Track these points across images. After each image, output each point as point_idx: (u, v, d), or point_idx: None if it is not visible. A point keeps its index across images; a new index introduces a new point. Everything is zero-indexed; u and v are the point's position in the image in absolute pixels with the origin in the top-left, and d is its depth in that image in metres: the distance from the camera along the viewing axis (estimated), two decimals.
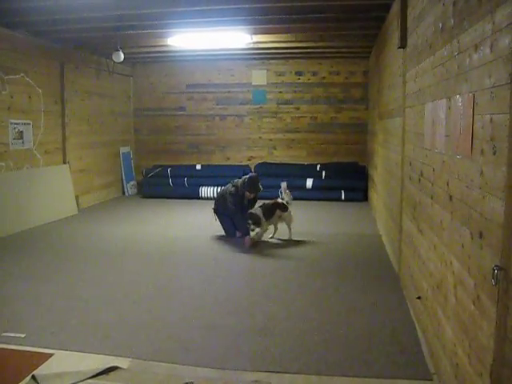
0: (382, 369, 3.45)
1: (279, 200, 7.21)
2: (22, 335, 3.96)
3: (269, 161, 11.80)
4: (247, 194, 7.13)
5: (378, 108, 8.40)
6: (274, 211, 7.04)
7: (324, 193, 10.75)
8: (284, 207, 7.11)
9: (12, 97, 7.89)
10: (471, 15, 2.60)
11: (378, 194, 8.21)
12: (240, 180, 7.25)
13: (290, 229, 7.19)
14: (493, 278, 2.11)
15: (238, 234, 7.11)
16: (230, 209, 7.04)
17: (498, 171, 2.16)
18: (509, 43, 2.04)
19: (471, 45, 2.59)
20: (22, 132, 8.12)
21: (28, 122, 8.30)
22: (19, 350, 3.73)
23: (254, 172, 10.48)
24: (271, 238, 7.15)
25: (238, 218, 6.96)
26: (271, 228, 7.22)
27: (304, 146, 11.86)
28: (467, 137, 2.61)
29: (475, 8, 2.54)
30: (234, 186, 7.17)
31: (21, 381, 3.26)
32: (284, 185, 7.34)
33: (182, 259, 6.29)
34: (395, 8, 5.76)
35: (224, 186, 7.75)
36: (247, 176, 7.30)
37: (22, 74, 8.13)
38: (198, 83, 12.09)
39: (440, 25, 3.39)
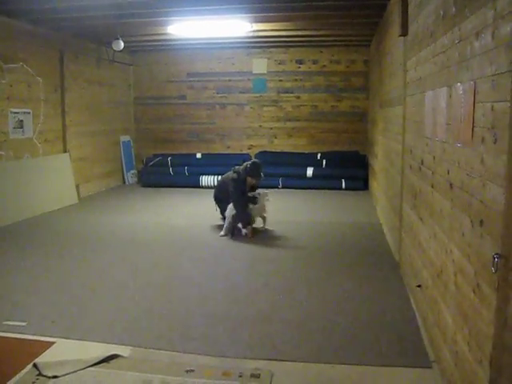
0: (381, 357, 3.47)
1: (250, 194, 7.05)
2: (24, 324, 3.98)
3: (269, 149, 11.79)
4: (249, 179, 7.02)
5: (379, 96, 8.37)
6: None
7: (324, 181, 10.74)
8: (254, 200, 6.96)
9: (11, 86, 7.86)
10: (473, 2, 2.58)
11: (379, 182, 8.21)
12: (241, 166, 7.16)
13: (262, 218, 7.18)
14: (493, 266, 2.11)
15: (239, 224, 7.04)
16: (232, 195, 6.97)
17: (498, 159, 2.15)
18: (510, 31, 2.03)
19: (472, 32, 2.57)
20: (21, 121, 8.11)
21: (28, 110, 8.28)
22: (21, 339, 3.75)
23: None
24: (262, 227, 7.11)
25: (239, 206, 6.89)
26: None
27: (304, 135, 11.84)
28: (468, 125, 2.60)
29: None
30: (235, 172, 7.09)
31: (22, 369, 3.27)
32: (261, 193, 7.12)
33: (183, 248, 6.30)
34: None
35: (224, 174, 7.69)
36: (250, 162, 7.21)
37: (21, 63, 8.10)
38: (198, 72, 12.04)
39: (441, 12, 3.36)
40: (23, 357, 3.44)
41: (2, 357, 3.50)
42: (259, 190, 7.16)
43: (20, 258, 5.80)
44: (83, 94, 10.06)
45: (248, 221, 6.83)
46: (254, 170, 7.01)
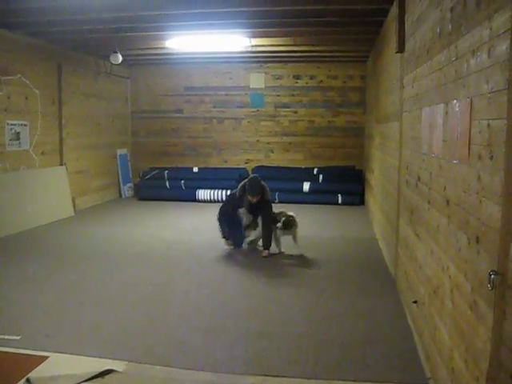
0: (378, 373, 3.45)
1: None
2: (17, 338, 3.94)
3: (266, 164, 11.80)
4: (249, 197, 6.62)
5: (376, 112, 8.41)
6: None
7: (321, 196, 10.75)
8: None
9: (9, 97, 7.87)
10: (469, 21, 2.61)
11: (375, 198, 8.21)
12: (242, 182, 6.84)
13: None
14: (489, 283, 2.11)
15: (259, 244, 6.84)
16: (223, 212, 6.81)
17: (495, 176, 2.16)
18: (506, 49, 2.04)
19: (469, 50, 2.60)
20: (18, 133, 8.10)
21: (25, 122, 8.28)
22: (14, 353, 3.71)
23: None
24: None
25: (221, 220, 6.75)
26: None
27: (301, 150, 11.88)
28: (464, 142, 2.61)
29: (473, 14, 2.54)
30: (238, 188, 6.82)
31: None
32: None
33: (179, 262, 6.28)
34: (393, 13, 5.78)
35: (221, 188, 7.57)
36: (248, 178, 6.86)
37: (19, 75, 8.11)
38: (195, 86, 12.09)
39: (438, 30, 3.39)
40: (16, 371, 3.40)
41: None
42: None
43: (15, 271, 5.76)
44: (80, 107, 10.08)
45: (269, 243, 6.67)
46: (249, 187, 6.63)
